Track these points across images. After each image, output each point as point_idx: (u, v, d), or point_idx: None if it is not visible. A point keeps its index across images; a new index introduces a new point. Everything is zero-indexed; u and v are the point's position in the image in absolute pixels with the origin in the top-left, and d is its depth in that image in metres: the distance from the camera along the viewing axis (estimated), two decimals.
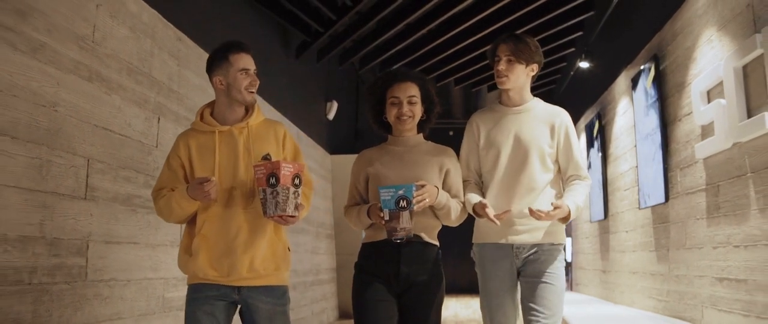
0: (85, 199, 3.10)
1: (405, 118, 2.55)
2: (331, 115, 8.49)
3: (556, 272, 2.55)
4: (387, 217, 2.35)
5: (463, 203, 2.60)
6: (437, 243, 2.58)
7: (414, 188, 2.35)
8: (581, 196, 2.55)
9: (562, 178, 2.66)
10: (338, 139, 9.24)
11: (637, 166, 5.92)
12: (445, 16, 5.84)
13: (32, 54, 2.78)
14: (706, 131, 4.27)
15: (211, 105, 2.54)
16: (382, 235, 2.47)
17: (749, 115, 3.64)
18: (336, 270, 8.91)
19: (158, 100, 3.86)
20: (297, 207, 2.29)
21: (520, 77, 2.60)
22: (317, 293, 7.78)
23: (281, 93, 6.43)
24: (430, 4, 5.62)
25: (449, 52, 6.60)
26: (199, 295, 2.38)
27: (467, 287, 11.69)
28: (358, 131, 10.15)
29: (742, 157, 3.71)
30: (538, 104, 2.68)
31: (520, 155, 2.56)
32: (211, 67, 2.48)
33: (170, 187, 2.44)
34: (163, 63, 3.96)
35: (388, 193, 2.35)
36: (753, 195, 3.56)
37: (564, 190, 2.63)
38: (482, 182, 2.67)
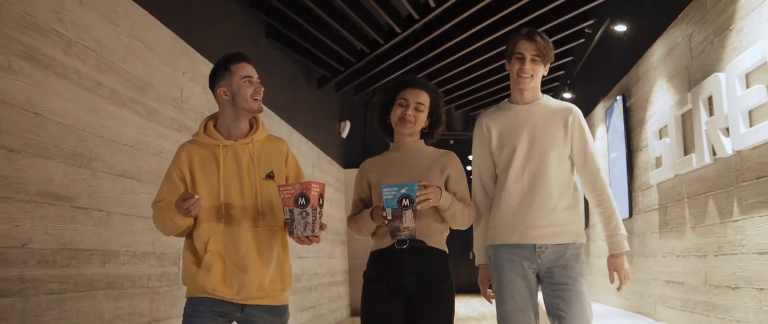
0: None
1: (407, 120, 2.50)
2: (344, 134, 9.48)
3: (580, 278, 2.45)
4: (390, 217, 2.29)
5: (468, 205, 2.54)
6: (444, 248, 2.51)
7: (416, 186, 2.29)
8: (617, 221, 2.52)
9: (581, 180, 2.57)
10: (351, 155, 10.26)
11: (609, 184, 6.92)
12: (451, 59, 6.95)
13: (148, 117, 3.79)
14: (659, 162, 5.28)
15: (215, 117, 2.42)
16: (387, 242, 2.45)
17: (685, 153, 4.65)
18: (348, 272, 9.96)
19: None
20: (321, 226, 2.22)
21: (540, 77, 2.56)
22: (333, 293, 8.80)
23: (304, 118, 7.46)
24: (439, 50, 6.69)
25: (453, 84, 7.70)
26: (200, 308, 2.27)
27: (467, 287, 12.45)
28: (366, 145, 11.15)
29: (681, 186, 4.72)
30: (549, 100, 2.62)
31: (536, 151, 2.50)
32: (214, 80, 2.35)
33: (168, 200, 2.29)
34: None
35: (390, 191, 2.28)
36: (688, 216, 4.57)
37: (591, 203, 2.57)
38: (495, 184, 2.60)
